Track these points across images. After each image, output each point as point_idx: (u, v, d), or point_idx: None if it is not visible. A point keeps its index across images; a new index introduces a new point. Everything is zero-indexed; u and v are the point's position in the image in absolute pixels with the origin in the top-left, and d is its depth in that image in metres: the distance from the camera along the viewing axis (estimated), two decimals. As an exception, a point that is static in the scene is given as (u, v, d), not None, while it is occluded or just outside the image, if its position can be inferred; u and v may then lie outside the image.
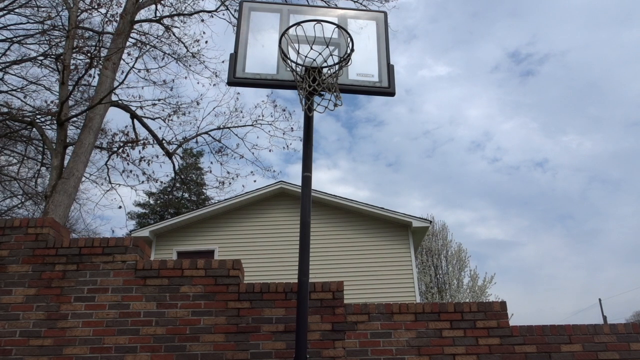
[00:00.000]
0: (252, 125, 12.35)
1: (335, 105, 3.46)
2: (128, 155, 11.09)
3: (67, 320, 3.60)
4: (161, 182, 12.63)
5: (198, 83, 21.69)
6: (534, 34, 75.26)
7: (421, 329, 3.64)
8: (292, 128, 12.46)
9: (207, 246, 12.43)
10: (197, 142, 12.37)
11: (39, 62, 11.60)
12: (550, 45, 72.94)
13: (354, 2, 11.60)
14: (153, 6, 11.71)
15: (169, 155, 11.39)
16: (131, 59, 12.12)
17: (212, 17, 12.23)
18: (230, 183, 12.70)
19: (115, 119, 51.15)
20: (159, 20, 11.89)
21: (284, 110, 13.11)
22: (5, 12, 11.21)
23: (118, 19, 10.63)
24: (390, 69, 3.71)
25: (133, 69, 11.26)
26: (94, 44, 10.87)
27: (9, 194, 14.99)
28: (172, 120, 11.95)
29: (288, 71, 3.54)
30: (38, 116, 11.57)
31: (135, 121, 11.08)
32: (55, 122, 9.72)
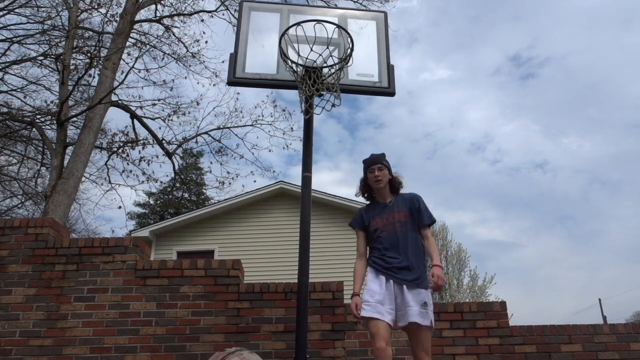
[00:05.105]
0: (252, 125, 12.32)
1: (333, 105, 3.44)
2: (128, 155, 11.09)
3: (67, 320, 3.60)
4: (161, 182, 12.62)
5: (198, 83, 21.68)
6: (534, 37, 75.26)
7: (421, 329, 3.63)
8: (292, 128, 12.43)
9: (207, 246, 12.41)
10: (197, 142, 12.33)
11: (39, 62, 11.59)
12: (551, 48, 72.96)
13: (354, 2, 11.59)
14: (153, 6, 11.69)
15: (169, 155, 11.37)
16: (131, 59, 12.07)
17: (212, 17, 12.21)
18: (230, 183, 12.68)
19: (115, 119, 51.00)
20: (158, 21, 11.87)
21: (284, 110, 13.01)
22: (5, 12, 11.21)
23: (118, 19, 10.62)
24: (390, 69, 3.69)
25: (133, 69, 11.25)
26: (93, 44, 10.85)
27: (9, 194, 14.99)
28: (172, 120, 11.93)
29: (288, 71, 3.53)
30: (38, 116, 11.57)
31: (135, 121, 11.06)
32: (55, 122, 9.71)
